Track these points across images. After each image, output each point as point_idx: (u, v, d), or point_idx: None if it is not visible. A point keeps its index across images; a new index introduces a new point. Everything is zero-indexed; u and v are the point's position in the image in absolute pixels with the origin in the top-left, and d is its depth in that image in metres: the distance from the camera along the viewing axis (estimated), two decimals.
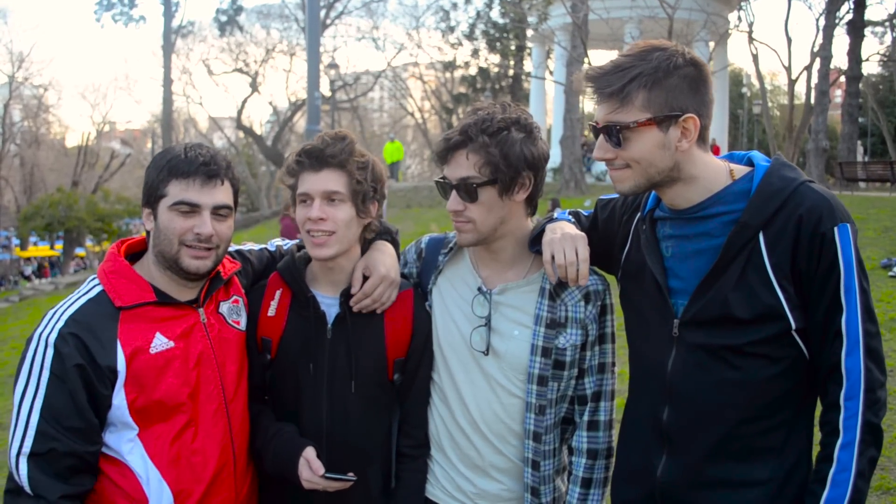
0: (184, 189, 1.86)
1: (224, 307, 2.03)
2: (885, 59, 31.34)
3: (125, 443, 1.83)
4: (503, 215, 1.98)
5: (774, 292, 1.66)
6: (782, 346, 1.69)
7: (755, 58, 35.38)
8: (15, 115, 44.17)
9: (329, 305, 2.06)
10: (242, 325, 2.07)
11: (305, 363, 2.04)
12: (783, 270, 1.65)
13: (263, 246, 2.32)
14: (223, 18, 37.05)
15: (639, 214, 1.93)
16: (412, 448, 2.14)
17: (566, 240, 1.92)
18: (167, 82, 34.38)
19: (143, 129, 51.37)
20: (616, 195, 2.08)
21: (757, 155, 1.81)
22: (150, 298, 1.87)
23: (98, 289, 1.87)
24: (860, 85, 23.42)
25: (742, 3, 28.34)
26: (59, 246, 39.46)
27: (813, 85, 24.16)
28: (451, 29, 34.82)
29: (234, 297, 2.08)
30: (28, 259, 43.54)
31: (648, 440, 1.86)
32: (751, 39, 29.33)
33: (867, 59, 25.74)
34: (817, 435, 1.72)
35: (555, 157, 23.05)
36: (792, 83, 30.16)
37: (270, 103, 43.92)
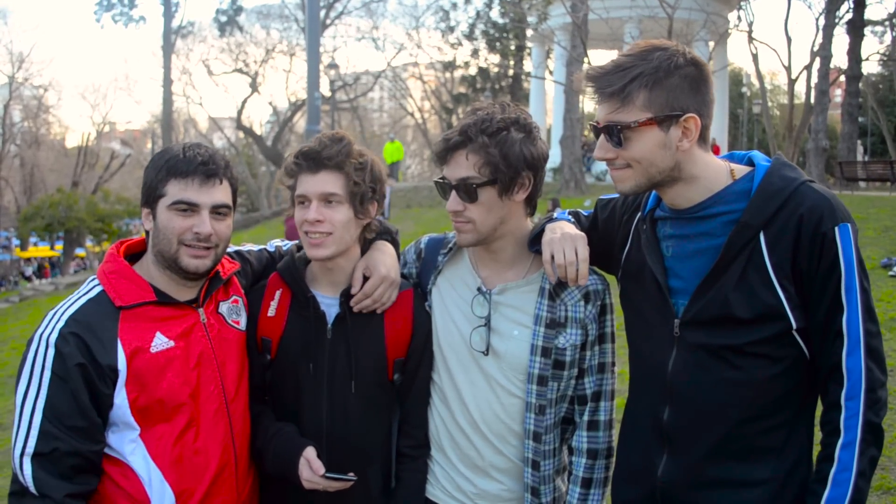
0: (182, 188, 1.86)
1: (224, 307, 2.03)
2: (885, 58, 31.33)
3: (127, 443, 1.83)
4: (503, 215, 1.97)
5: (775, 292, 1.66)
6: (783, 346, 1.69)
7: (755, 57, 35.42)
8: (15, 116, 44.21)
9: (329, 305, 2.06)
10: (242, 325, 2.07)
11: (305, 363, 2.04)
12: (784, 270, 1.65)
13: (263, 247, 2.33)
14: (223, 19, 37.06)
15: (639, 214, 1.93)
16: (412, 448, 2.14)
17: (566, 239, 1.92)
18: (167, 82, 34.40)
19: (143, 129, 51.42)
20: (616, 195, 2.08)
21: (757, 155, 1.81)
22: (150, 298, 1.87)
23: (98, 289, 1.87)
24: (860, 84, 23.41)
25: (742, 3, 28.35)
26: (59, 246, 39.48)
27: (813, 84, 24.16)
28: (451, 29, 34.81)
29: (234, 298, 2.08)
30: (28, 259, 43.57)
31: (649, 440, 1.86)
32: (751, 39, 29.34)
33: (867, 59, 25.74)
34: (818, 434, 1.72)
35: (555, 157, 23.05)
36: (792, 83, 30.17)
37: (270, 103, 43.97)
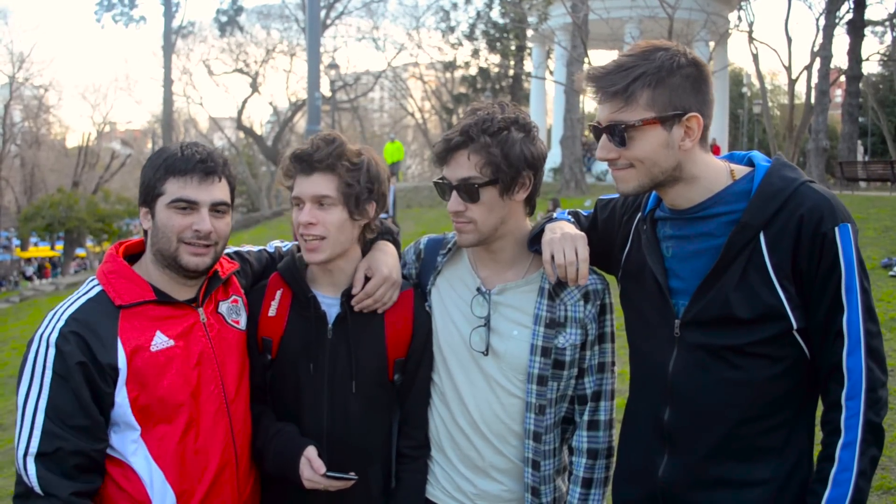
0: (181, 186, 1.86)
1: (223, 307, 2.03)
2: (885, 58, 31.33)
3: (129, 444, 1.83)
4: (503, 215, 1.97)
5: (775, 292, 1.66)
6: (783, 346, 1.69)
7: (755, 57, 35.38)
8: (15, 116, 44.25)
9: (329, 305, 2.06)
10: (242, 324, 2.07)
11: (306, 363, 2.04)
12: (784, 270, 1.65)
13: (262, 248, 2.33)
14: (223, 19, 37.09)
15: (639, 215, 1.93)
16: (412, 449, 2.14)
17: (566, 239, 1.92)
18: (167, 83, 34.43)
19: (143, 129, 51.45)
20: (616, 195, 2.08)
21: (757, 155, 1.81)
22: (150, 297, 1.87)
23: (97, 289, 1.88)
24: (860, 84, 23.41)
25: (742, 3, 28.35)
26: (59, 247, 39.51)
27: (813, 84, 24.16)
28: (452, 29, 34.82)
29: (234, 297, 2.08)
30: (28, 260, 43.59)
31: (650, 440, 1.86)
32: (751, 39, 29.34)
33: (867, 59, 25.75)
34: (818, 434, 1.72)
35: (555, 157, 23.06)
36: (792, 83, 30.17)
37: (271, 103, 44.02)
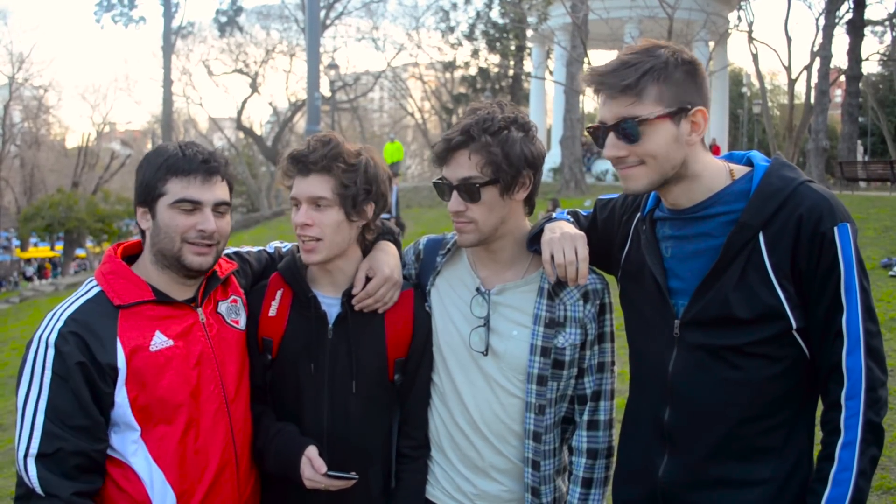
0: (185, 187, 1.86)
1: (223, 307, 2.03)
2: (885, 58, 31.33)
3: (129, 444, 1.83)
4: (504, 215, 1.97)
5: (775, 292, 1.66)
6: (783, 346, 1.69)
7: (755, 57, 35.42)
8: (15, 116, 44.23)
9: (330, 305, 2.06)
10: (241, 324, 2.07)
11: (306, 363, 2.04)
12: (783, 270, 1.65)
13: (262, 248, 2.33)
14: (223, 19, 37.07)
15: (638, 215, 1.93)
16: (412, 449, 2.14)
17: (565, 239, 1.92)
18: (167, 83, 34.41)
19: (143, 129, 51.41)
20: (615, 195, 2.09)
21: (756, 155, 1.81)
22: (149, 297, 1.87)
23: (96, 290, 1.88)
24: (860, 84, 23.41)
25: (742, 3, 28.35)
26: (59, 247, 39.50)
27: (813, 84, 24.16)
28: (451, 29, 34.81)
29: (233, 297, 2.08)
30: (28, 260, 43.59)
31: (650, 440, 1.86)
32: (751, 39, 29.34)
33: (867, 59, 25.75)
34: (818, 434, 1.72)
35: (555, 157, 23.07)
36: (792, 83, 30.17)
37: (270, 104, 43.94)
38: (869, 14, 25.07)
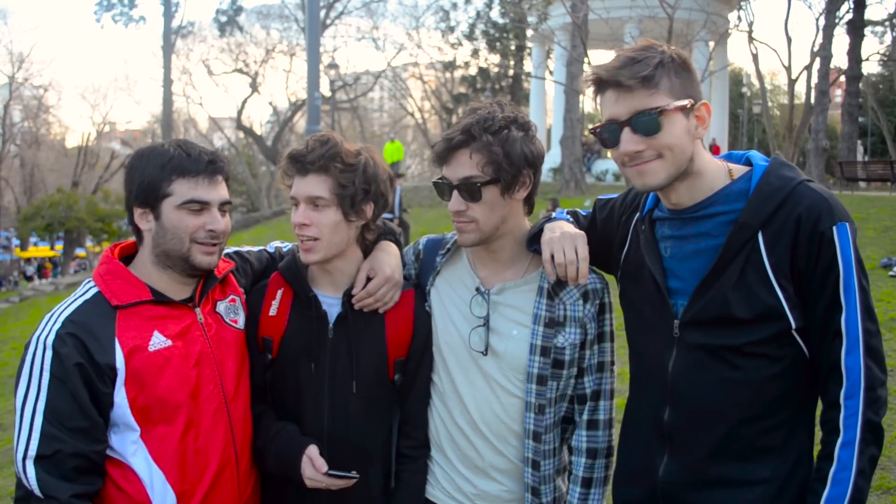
0: (192, 187, 1.87)
1: (221, 306, 2.03)
2: (885, 58, 31.33)
3: (129, 445, 1.83)
4: (504, 214, 1.98)
5: (774, 292, 1.66)
6: (782, 346, 1.69)
7: (755, 57, 35.40)
8: (15, 116, 44.24)
9: (331, 305, 2.06)
10: (240, 324, 2.07)
11: (307, 363, 2.04)
12: (782, 270, 1.65)
13: (262, 248, 2.33)
14: (223, 19, 37.05)
15: (637, 215, 1.93)
16: (412, 449, 2.14)
17: (565, 238, 1.92)
18: (167, 83, 34.40)
19: (143, 129, 51.33)
20: (615, 195, 2.09)
21: (755, 154, 1.81)
22: (147, 297, 1.87)
23: (94, 290, 1.88)
24: (860, 84, 23.41)
25: (742, 3, 28.34)
26: (59, 246, 39.51)
27: (813, 84, 24.16)
28: (451, 29, 34.78)
29: (231, 297, 2.08)
30: (28, 260, 43.59)
31: (650, 440, 1.86)
32: (751, 39, 29.35)
33: (867, 59, 25.74)
34: (819, 434, 1.72)
35: (555, 157, 23.07)
36: (792, 83, 30.18)
37: (270, 103, 43.89)
38: (869, 14, 25.09)
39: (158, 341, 1.85)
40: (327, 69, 30.47)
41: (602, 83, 1.72)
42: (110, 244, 2.04)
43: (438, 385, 2.12)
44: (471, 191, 1.92)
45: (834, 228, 1.62)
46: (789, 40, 46.76)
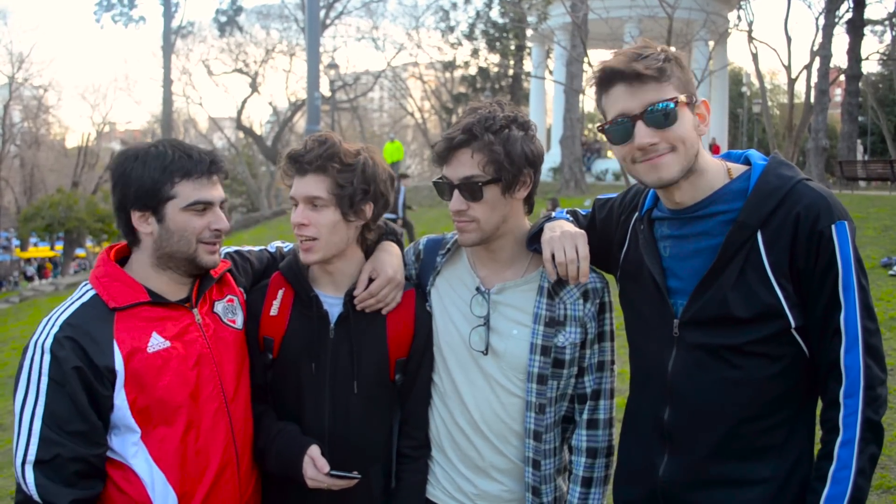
0: (197, 189, 1.88)
1: (219, 307, 2.03)
2: (885, 57, 31.32)
3: (129, 446, 1.83)
4: (505, 214, 1.98)
5: (773, 291, 1.66)
6: (782, 345, 1.69)
7: (755, 57, 35.35)
8: (15, 116, 44.23)
9: (332, 305, 2.06)
10: (238, 323, 2.07)
11: (308, 363, 2.04)
12: (781, 269, 1.65)
13: (263, 247, 2.33)
14: (223, 19, 37.03)
15: (636, 214, 1.93)
16: (413, 449, 2.14)
17: (566, 237, 1.92)
18: (167, 83, 34.38)
19: (143, 129, 51.27)
20: (614, 195, 2.09)
21: (754, 154, 1.81)
22: (144, 299, 1.87)
23: (91, 293, 1.87)
24: (860, 84, 23.40)
25: (742, 3, 28.32)
26: (59, 247, 39.50)
27: (813, 84, 24.13)
28: (451, 29, 34.75)
29: (229, 297, 2.08)
30: (28, 260, 43.58)
31: (650, 440, 1.86)
32: (750, 38, 29.29)
33: (867, 58, 25.75)
34: (819, 433, 1.72)
35: (555, 157, 23.07)
36: (792, 82, 30.12)
37: (270, 103, 43.86)
38: (869, 13, 25.07)
39: (157, 342, 1.85)
40: (327, 69, 30.46)
41: (611, 77, 1.71)
42: (111, 244, 2.04)
43: (439, 385, 2.12)
44: (472, 190, 1.92)
45: (833, 227, 1.62)
46: (789, 40, 46.89)
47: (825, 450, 1.65)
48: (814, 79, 23.66)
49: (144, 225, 1.89)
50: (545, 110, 32.03)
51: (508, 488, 2.07)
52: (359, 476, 1.95)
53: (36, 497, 1.70)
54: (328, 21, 35.97)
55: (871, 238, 10.37)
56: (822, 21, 23.23)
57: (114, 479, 1.82)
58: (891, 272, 8.57)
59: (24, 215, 32.86)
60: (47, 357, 1.75)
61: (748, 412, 1.72)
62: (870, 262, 8.82)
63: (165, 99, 34.34)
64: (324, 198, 1.96)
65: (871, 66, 33.93)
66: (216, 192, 1.92)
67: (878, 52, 31.30)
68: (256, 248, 2.31)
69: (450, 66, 36.06)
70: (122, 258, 1.99)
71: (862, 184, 21.39)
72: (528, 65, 32.55)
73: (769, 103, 36.42)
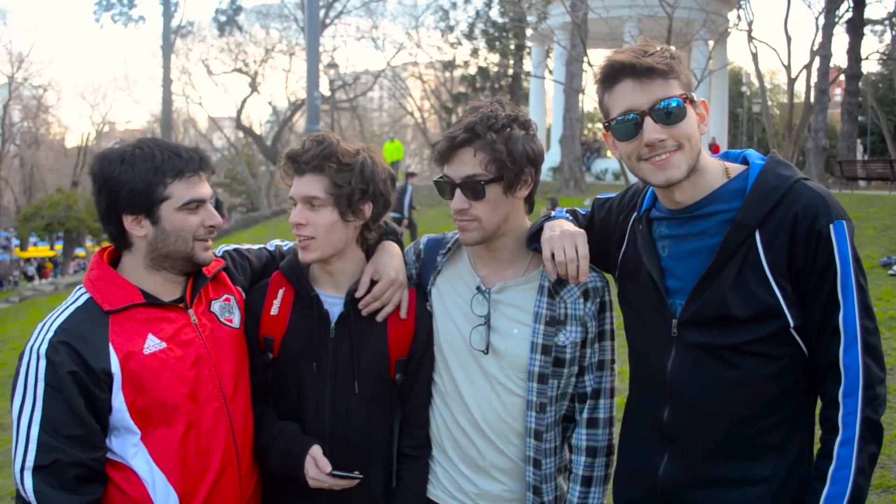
0: (189, 187, 1.88)
1: (216, 306, 2.03)
2: (885, 57, 31.31)
3: (129, 448, 1.83)
4: (506, 213, 1.98)
5: (772, 290, 1.66)
6: (781, 344, 1.69)
7: (755, 56, 35.31)
8: (14, 116, 44.22)
9: (332, 304, 2.06)
10: (235, 322, 2.06)
11: (308, 362, 2.04)
12: (780, 268, 1.66)
13: (262, 246, 2.33)
14: (222, 18, 37.03)
15: (635, 214, 1.93)
16: (413, 448, 2.14)
17: (566, 237, 1.92)
18: (166, 82, 34.38)
19: (142, 129, 51.24)
20: (613, 195, 2.09)
21: (752, 153, 1.81)
22: (138, 300, 1.87)
23: (85, 297, 1.86)
24: (860, 83, 23.39)
25: (741, 2, 28.31)
26: (58, 246, 39.49)
27: (812, 83, 24.11)
28: (451, 28, 34.76)
29: (225, 296, 2.07)
30: (28, 260, 43.57)
31: (650, 440, 1.86)
32: (750, 38, 29.26)
33: (867, 58, 25.69)
34: (818, 432, 1.73)
35: (554, 156, 23.06)
36: (791, 82, 30.10)
37: (270, 103, 43.88)
38: (869, 13, 25.08)
39: (153, 344, 1.85)
40: (327, 69, 30.43)
41: (619, 72, 1.69)
42: (102, 247, 2.03)
43: (440, 384, 2.12)
44: (474, 189, 1.92)
45: (831, 226, 1.62)
46: (789, 39, 46.92)
47: (825, 449, 1.65)
48: (814, 78, 23.65)
49: (138, 228, 1.87)
50: (545, 110, 32.00)
51: (509, 488, 2.07)
52: (360, 476, 1.95)
53: (34, 503, 1.69)
54: (328, 20, 35.97)
55: (871, 238, 10.36)
56: (821, 21, 23.21)
57: (114, 479, 1.82)
58: (890, 272, 8.56)
59: (24, 215, 32.86)
60: (43, 362, 1.74)
61: (748, 412, 1.72)
62: (869, 262, 8.82)
63: (165, 98, 34.35)
64: (321, 197, 1.96)
65: (870, 66, 33.99)
66: (206, 188, 1.93)
67: (877, 51, 31.29)
68: (256, 247, 2.30)
69: (449, 65, 36.06)
70: (115, 260, 1.98)
71: (862, 183, 21.39)
72: (527, 64, 32.56)
73: (769, 103, 36.40)
